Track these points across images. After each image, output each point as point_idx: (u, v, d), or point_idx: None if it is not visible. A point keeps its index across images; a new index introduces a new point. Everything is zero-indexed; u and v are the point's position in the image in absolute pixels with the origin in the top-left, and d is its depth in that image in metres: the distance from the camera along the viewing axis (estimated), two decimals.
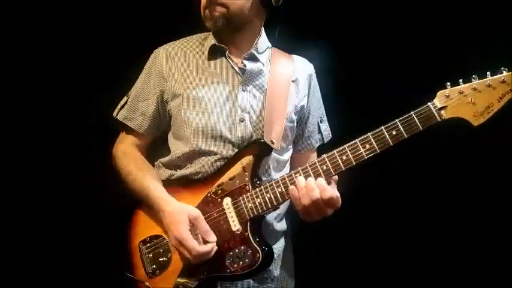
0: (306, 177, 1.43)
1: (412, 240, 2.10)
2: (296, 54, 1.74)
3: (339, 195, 1.44)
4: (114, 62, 1.75)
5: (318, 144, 1.76)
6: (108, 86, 1.74)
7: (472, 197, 2.00)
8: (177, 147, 1.63)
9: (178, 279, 1.55)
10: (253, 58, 1.62)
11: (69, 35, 2.02)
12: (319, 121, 1.75)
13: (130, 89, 1.72)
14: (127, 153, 1.68)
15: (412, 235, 2.10)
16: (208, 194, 1.55)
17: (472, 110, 1.28)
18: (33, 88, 2.04)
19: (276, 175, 1.62)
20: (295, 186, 1.43)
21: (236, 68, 1.60)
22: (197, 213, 1.50)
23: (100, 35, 2.00)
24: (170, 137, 1.67)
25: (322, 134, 1.76)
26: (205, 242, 1.48)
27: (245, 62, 1.60)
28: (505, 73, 1.26)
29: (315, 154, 1.78)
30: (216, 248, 1.47)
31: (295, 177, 1.44)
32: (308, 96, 1.70)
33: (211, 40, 1.63)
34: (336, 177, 1.46)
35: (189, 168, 1.60)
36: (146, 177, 1.61)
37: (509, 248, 1.93)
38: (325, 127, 1.77)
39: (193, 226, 1.49)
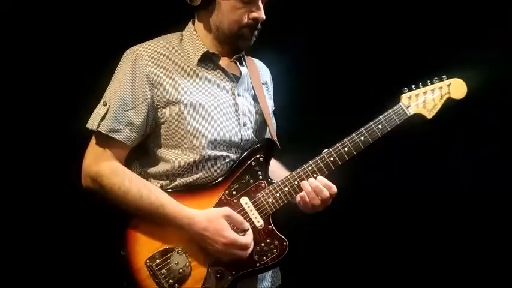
0: (312, 172, 1.62)
1: (396, 235, 2.48)
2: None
3: None
4: (114, 61, 1.58)
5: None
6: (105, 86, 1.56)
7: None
8: (176, 156, 1.57)
9: (204, 286, 1.53)
10: (242, 61, 1.71)
11: (68, 35, 1.86)
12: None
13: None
14: (116, 169, 1.52)
15: (396, 230, 2.48)
16: (223, 197, 1.59)
17: (425, 108, 1.77)
18: (31, 88, 1.83)
19: None
20: (304, 190, 1.59)
21: (229, 74, 1.65)
22: (227, 210, 1.53)
23: (99, 35, 1.83)
24: (162, 146, 1.59)
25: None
26: (243, 231, 1.53)
27: (238, 65, 1.67)
28: (437, 82, 1.80)
29: None
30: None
31: (305, 177, 1.60)
32: (272, 96, 1.88)
33: (200, 47, 1.62)
34: None
35: (196, 174, 1.58)
36: (155, 194, 1.51)
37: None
38: (275, 120, 1.92)
39: (230, 224, 1.51)
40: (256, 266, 1.57)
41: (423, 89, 1.78)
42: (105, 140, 1.53)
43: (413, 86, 1.78)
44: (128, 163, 1.60)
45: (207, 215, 1.50)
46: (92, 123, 1.52)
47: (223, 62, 1.66)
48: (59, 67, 1.90)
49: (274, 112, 1.88)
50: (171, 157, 1.58)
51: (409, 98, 1.77)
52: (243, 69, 1.70)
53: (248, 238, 1.52)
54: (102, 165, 1.52)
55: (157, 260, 1.51)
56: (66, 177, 1.78)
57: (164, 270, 1.51)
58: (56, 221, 1.89)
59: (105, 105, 1.53)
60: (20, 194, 1.87)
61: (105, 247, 1.54)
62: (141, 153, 1.61)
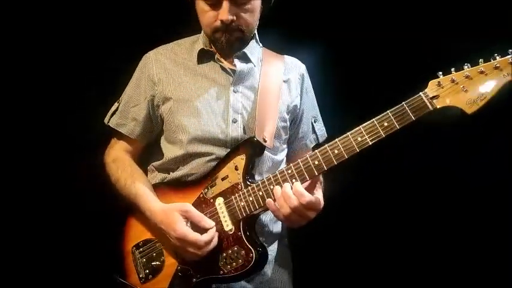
0: (291, 177, 1.39)
1: (416, 242, 2.02)
2: (287, 54, 1.72)
3: (319, 197, 1.40)
4: (115, 62, 1.76)
5: (313, 145, 1.73)
6: (104, 87, 1.74)
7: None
8: (170, 151, 1.61)
9: (171, 284, 1.52)
10: (245, 58, 1.61)
11: (68, 37, 2.03)
12: (313, 121, 1.72)
13: (121, 94, 1.71)
14: (117, 159, 1.67)
15: (415, 236, 2.02)
16: (201, 195, 1.53)
17: (465, 98, 1.24)
18: (31, 89, 2.04)
19: None
20: (272, 197, 1.39)
21: (227, 69, 1.58)
22: (186, 206, 1.48)
23: (99, 37, 2.01)
24: (163, 141, 1.65)
25: (316, 134, 1.73)
26: (204, 230, 1.45)
27: (236, 62, 1.59)
28: (498, 59, 1.23)
29: None
30: (217, 233, 1.45)
31: (282, 181, 1.40)
32: (301, 96, 1.68)
33: (199, 44, 1.61)
34: (321, 178, 1.43)
35: (182, 170, 1.58)
36: (135, 184, 1.58)
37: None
38: (320, 127, 1.75)
39: (187, 220, 1.46)
40: (219, 273, 1.46)
41: (466, 71, 1.27)
42: (115, 133, 1.70)
43: (452, 69, 1.28)
44: (146, 158, 1.71)
45: (164, 208, 1.50)
46: (106, 118, 1.71)
47: (225, 57, 1.61)
48: (64, 68, 2.03)
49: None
50: (166, 151, 1.64)
51: (439, 85, 1.29)
52: (242, 66, 1.59)
53: (205, 237, 1.43)
54: (109, 155, 1.70)
55: (141, 248, 1.59)
56: (66, 177, 1.97)
57: (143, 259, 1.58)
58: (55, 220, 2.04)
59: (118, 102, 1.70)
60: (19, 193, 2.05)
61: (103, 245, 1.67)
62: (155, 148, 1.71)
